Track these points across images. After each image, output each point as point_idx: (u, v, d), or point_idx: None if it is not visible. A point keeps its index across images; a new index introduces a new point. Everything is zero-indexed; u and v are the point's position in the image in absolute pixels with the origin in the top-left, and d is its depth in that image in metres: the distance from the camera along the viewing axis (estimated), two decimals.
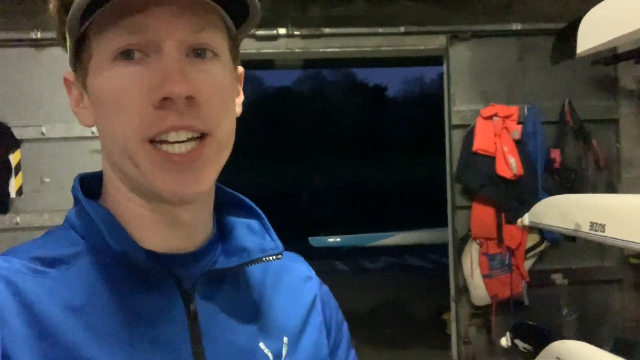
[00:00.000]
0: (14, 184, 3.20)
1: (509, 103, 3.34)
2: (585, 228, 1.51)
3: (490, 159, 3.24)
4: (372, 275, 7.92)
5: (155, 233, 0.64)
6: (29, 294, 0.57)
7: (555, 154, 3.31)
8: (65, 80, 0.65)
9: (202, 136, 0.59)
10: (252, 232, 0.70)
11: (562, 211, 1.68)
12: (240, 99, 0.68)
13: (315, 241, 5.68)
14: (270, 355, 0.66)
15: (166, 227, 0.64)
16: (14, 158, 3.19)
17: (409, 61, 4.02)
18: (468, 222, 3.40)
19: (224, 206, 0.72)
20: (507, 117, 3.28)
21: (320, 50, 3.35)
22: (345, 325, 0.80)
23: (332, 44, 3.35)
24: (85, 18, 0.56)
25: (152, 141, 0.58)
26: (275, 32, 3.28)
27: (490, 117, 3.29)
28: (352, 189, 13.10)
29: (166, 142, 0.58)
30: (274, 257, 0.68)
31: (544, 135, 3.31)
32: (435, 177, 4.11)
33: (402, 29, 3.36)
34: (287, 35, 3.30)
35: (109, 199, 0.66)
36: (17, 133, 3.16)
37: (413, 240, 5.91)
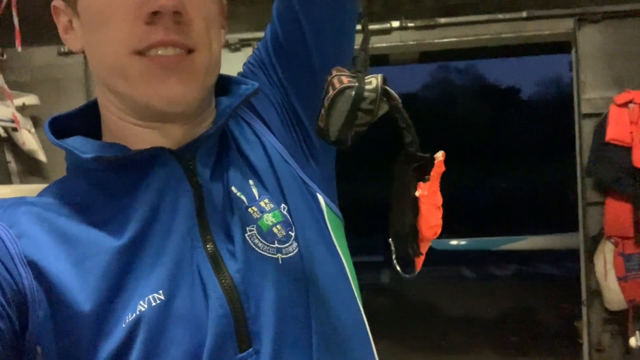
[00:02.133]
0: None
1: None
2: None
3: (626, 150, 2.94)
4: (500, 283, 7.55)
5: (159, 144, 0.65)
6: (42, 212, 0.62)
7: None
8: (54, 8, 0.67)
9: (189, 52, 0.61)
10: (228, 92, 0.72)
11: None
12: (224, 32, 0.71)
13: (438, 244, 5.51)
14: (243, 197, 0.66)
15: (169, 139, 0.66)
16: None
17: (532, 49, 3.79)
18: (601, 219, 3.12)
19: None
20: None
21: (436, 41, 3.26)
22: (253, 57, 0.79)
23: (448, 34, 3.25)
24: None
25: (140, 53, 0.60)
26: (388, 25, 3.24)
27: (625, 104, 2.99)
28: (479, 195, 12.63)
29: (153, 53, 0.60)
30: (253, 94, 0.70)
31: None
32: (570, 180, 3.84)
33: (524, 14, 3.17)
34: (401, 28, 3.24)
35: (106, 125, 0.68)
36: None
37: (543, 245, 5.55)
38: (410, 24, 3.23)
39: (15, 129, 2.98)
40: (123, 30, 0.59)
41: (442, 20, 3.22)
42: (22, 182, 3.23)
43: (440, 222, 0.58)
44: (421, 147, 0.64)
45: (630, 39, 3.12)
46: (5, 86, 2.86)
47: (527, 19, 3.18)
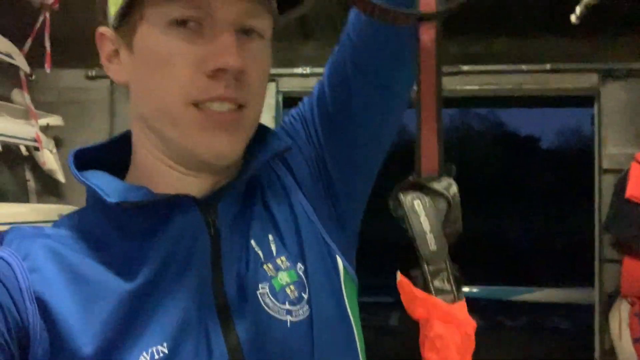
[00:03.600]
0: None
1: None
2: None
3: None
4: (511, 333, 7.38)
5: (185, 190, 0.65)
6: (56, 248, 0.61)
7: None
8: (100, 34, 0.66)
9: (239, 107, 0.62)
10: (261, 143, 0.71)
11: None
12: None
13: None
14: (260, 253, 0.66)
15: (196, 186, 0.66)
16: None
17: (554, 101, 3.79)
18: (618, 278, 3.05)
19: None
20: None
21: (458, 88, 3.27)
22: (293, 116, 0.79)
23: (471, 81, 3.26)
24: None
25: (196, 105, 0.60)
26: None
27: None
28: (493, 242, 12.49)
29: (209, 105, 0.61)
30: (283, 153, 0.70)
31: None
32: (587, 233, 3.79)
33: (547, 67, 3.18)
34: None
35: (136, 160, 0.68)
36: None
37: (557, 298, 5.46)
38: None
39: (37, 149, 3.02)
40: (184, 80, 0.60)
41: (465, 67, 3.23)
42: (39, 201, 3.25)
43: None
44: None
45: None
46: (32, 106, 2.91)
47: (551, 71, 3.19)
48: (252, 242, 0.66)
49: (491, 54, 3.25)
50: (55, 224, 0.67)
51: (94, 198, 0.66)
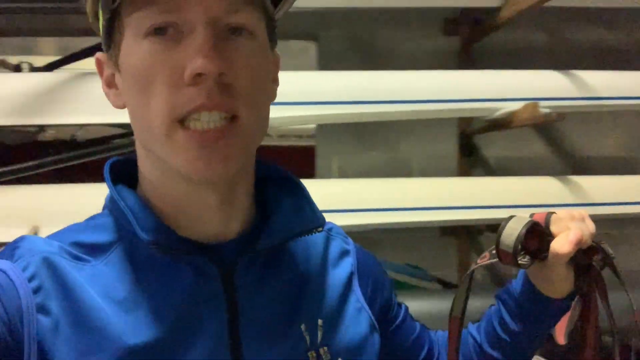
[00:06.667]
0: None
1: None
2: None
3: None
4: None
5: (191, 219, 0.62)
6: (68, 279, 0.58)
7: None
8: (97, 61, 0.64)
9: (233, 118, 0.56)
10: (293, 207, 0.67)
11: None
12: (276, 85, 0.66)
13: None
14: (307, 338, 0.64)
15: (200, 212, 0.62)
16: None
17: None
18: None
19: (263, 182, 0.69)
20: None
21: None
22: (389, 283, 0.80)
23: None
24: None
25: (182, 121, 0.55)
26: None
27: None
28: None
29: (196, 120, 0.55)
30: (315, 230, 0.67)
31: None
32: None
33: None
34: None
35: (144, 184, 0.64)
36: None
37: None
38: None
39: None
40: (165, 95, 0.55)
41: None
42: None
43: None
44: None
45: None
46: None
47: None
48: (302, 326, 0.65)
49: None
50: (73, 230, 0.64)
51: (121, 218, 0.63)
